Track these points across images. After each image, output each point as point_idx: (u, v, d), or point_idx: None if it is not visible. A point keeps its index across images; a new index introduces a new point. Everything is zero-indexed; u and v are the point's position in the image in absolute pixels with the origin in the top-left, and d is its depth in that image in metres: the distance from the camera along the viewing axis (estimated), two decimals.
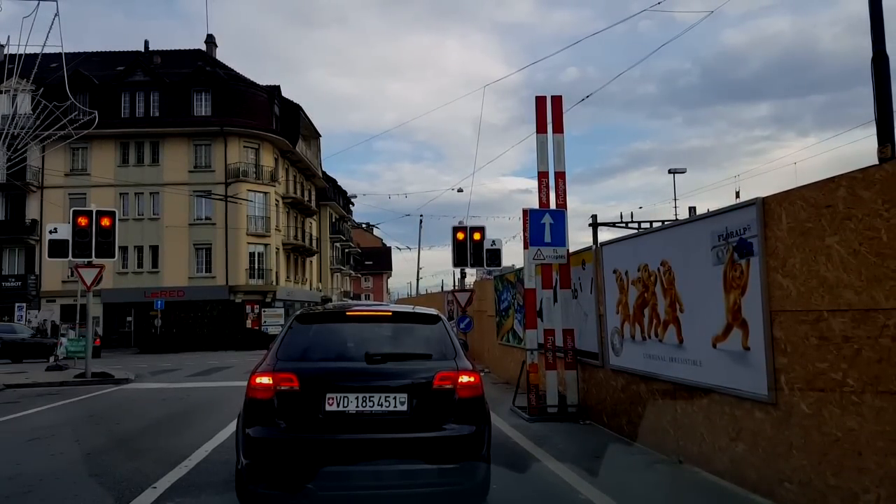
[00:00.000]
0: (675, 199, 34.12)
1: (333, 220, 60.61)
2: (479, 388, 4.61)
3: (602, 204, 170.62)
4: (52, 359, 20.68)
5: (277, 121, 43.45)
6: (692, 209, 22.20)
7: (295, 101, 45.88)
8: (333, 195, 60.66)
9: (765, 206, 4.91)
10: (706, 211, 6.67)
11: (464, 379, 4.53)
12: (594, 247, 8.90)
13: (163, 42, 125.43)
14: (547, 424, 8.47)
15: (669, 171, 34.29)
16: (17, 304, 35.70)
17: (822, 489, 4.28)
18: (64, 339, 21.16)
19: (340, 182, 66.92)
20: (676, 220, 22.18)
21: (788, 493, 4.61)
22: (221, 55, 46.91)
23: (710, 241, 5.58)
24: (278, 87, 44.31)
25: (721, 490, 5.31)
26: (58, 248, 16.33)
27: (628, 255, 7.48)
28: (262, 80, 43.93)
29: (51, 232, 16.55)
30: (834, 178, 4.25)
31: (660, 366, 6.58)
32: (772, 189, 4.90)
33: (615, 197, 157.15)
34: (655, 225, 20.49)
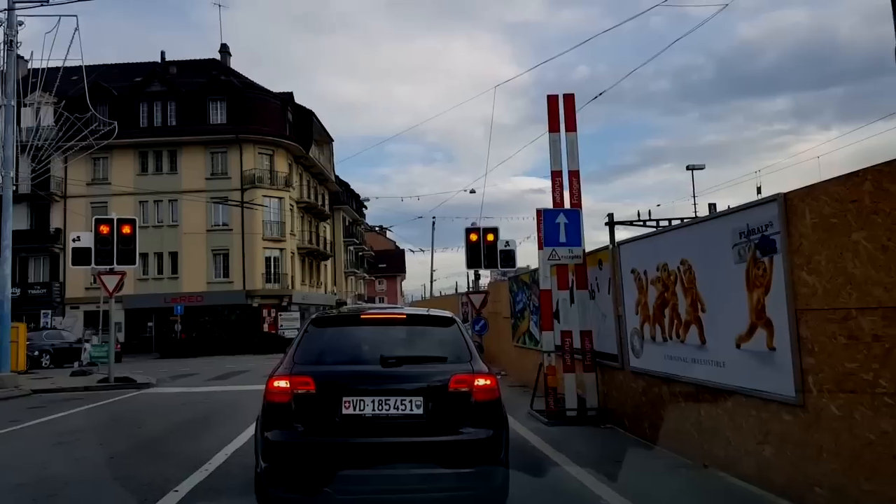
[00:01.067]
0: (693, 196, 33.79)
1: (347, 223, 60.83)
2: (495, 391, 4.56)
3: (618, 202, 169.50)
4: (76, 364, 20.94)
5: (291, 127, 43.71)
6: (712, 206, 21.95)
7: (307, 107, 46.16)
8: (346, 199, 60.89)
9: (787, 202, 4.80)
10: (726, 208, 6.56)
11: (480, 382, 4.48)
12: (611, 246, 8.80)
13: (178, 52, 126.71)
14: (566, 428, 8.36)
15: (688, 168, 33.93)
16: (42, 311, 36.28)
17: (856, 494, 4.16)
18: (87, 345, 21.44)
19: (353, 186, 67.16)
20: (696, 217, 21.99)
21: (819, 499, 4.48)
22: (235, 64, 47.33)
23: (732, 239, 5.47)
24: (291, 93, 44.61)
25: (748, 495, 5.19)
26: (81, 256, 16.57)
27: (646, 254, 7.38)
28: (275, 86, 44.20)
29: (74, 240, 16.81)
30: (859, 171, 4.14)
31: (682, 367, 6.47)
32: (794, 184, 4.80)
33: (631, 195, 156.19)
34: (674, 223, 20.32)
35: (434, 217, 48.80)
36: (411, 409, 4.33)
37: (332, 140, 53.77)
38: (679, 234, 6.95)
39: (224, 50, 46.78)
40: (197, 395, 14.15)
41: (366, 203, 68.44)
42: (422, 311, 5.69)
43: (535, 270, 11.25)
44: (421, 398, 4.35)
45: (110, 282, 16.58)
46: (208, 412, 11.23)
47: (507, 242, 17.49)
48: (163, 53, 46.40)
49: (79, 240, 16.71)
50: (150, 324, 39.90)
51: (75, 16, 23.93)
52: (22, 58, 19.73)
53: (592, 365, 8.85)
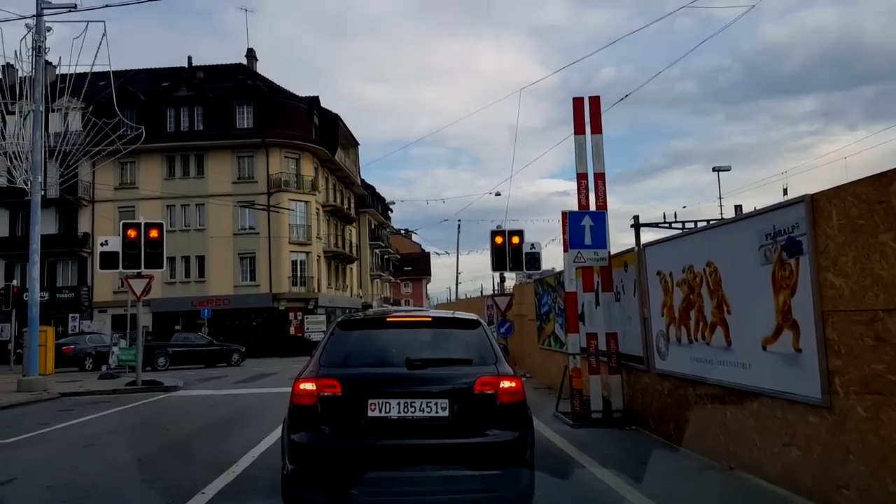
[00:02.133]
0: (720, 198, 33.41)
1: (372, 226, 61.12)
2: (520, 394, 4.57)
3: (644, 204, 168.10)
4: (104, 367, 21.30)
5: (317, 131, 44.05)
6: (738, 207, 21.67)
7: (333, 111, 46.50)
8: (372, 202, 61.18)
9: (814, 203, 4.76)
10: (753, 209, 6.51)
11: (505, 384, 4.49)
12: (637, 248, 8.76)
13: (205, 57, 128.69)
14: (591, 430, 8.35)
15: (714, 169, 33.63)
16: (70, 315, 36.98)
17: (883, 496, 4.11)
18: (115, 349, 21.79)
19: (378, 189, 67.38)
20: (722, 219, 21.75)
21: (846, 501, 4.44)
22: (261, 68, 47.89)
23: (758, 241, 5.43)
24: (317, 97, 44.91)
25: (774, 497, 5.15)
26: (109, 260, 16.79)
27: (672, 256, 7.34)
28: (302, 91, 44.88)
29: (102, 244, 17.01)
30: (886, 172, 4.10)
31: (707, 369, 6.43)
32: (821, 185, 4.76)
33: (657, 197, 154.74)
34: (700, 225, 20.11)
35: (459, 220, 48.66)
36: (437, 412, 4.36)
37: (358, 144, 54.19)
38: (705, 235, 6.90)
39: (251, 54, 47.39)
40: (224, 398, 14.33)
41: (391, 206, 68.70)
42: (447, 313, 5.72)
43: (561, 273, 11.23)
44: (446, 400, 4.38)
45: (138, 285, 16.82)
46: (235, 415, 11.37)
47: (532, 245, 17.45)
48: (190, 58, 47.16)
49: (107, 244, 16.92)
50: (177, 327, 40.35)
51: (103, 21, 24.27)
52: (50, 63, 20.13)
53: (618, 367, 8.81)
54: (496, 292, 18.92)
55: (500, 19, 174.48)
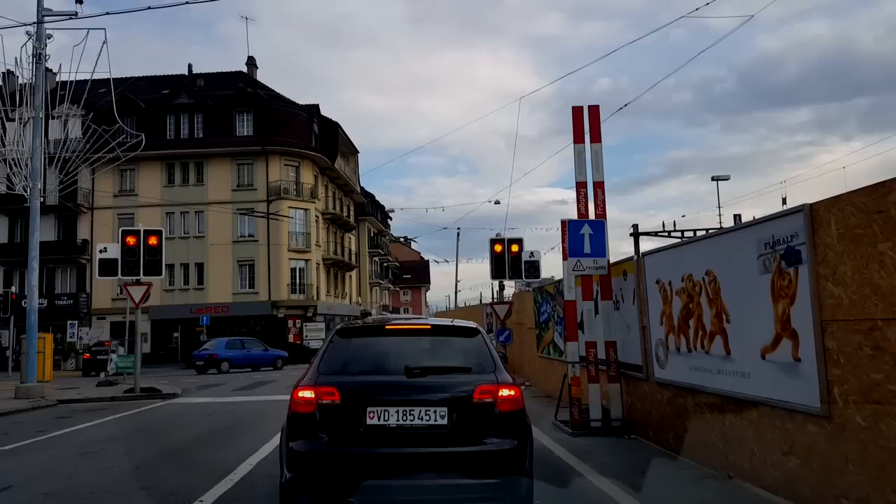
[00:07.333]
0: (719, 207, 33.61)
1: (372, 234, 61.15)
2: (519, 402, 4.56)
3: (642, 213, 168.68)
4: (102, 374, 21.22)
5: (316, 139, 44.14)
6: (737, 217, 21.72)
7: (333, 119, 46.61)
8: (372, 210, 61.25)
9: (812, 213, 4.78)
10: (752, 219, 6.52)
11: (504, 392, 4.49)
12: (636, 257, 8.77)
13: (205, 65, 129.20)
14: (590, 439, 8.33)
15: (713, 179, 33.79)
16: (69, 322, 36.89)
17: None
18: (114, 356, 21.73)
19: (378, 197, 67.42)
20: (721, 228, 21.78)
21: None
22: (262, 76, 48.02)
23: (757, 250, 5.45)
24: (317, 105, 45.05)
25: None
26: (107, 267, 16.78)
27: (671, 264, 7.35)
28: (302, 99, 44.83)
29: (101, 251, 17.01)
30: (885, 182, 4.12)
31: (707, 378, 6.43)
32: (819, 195, 4.78)
33: (655, 206, 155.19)
34: (699, 234, 20.14)
35: (459, 228, 48.88)
36: (436, 420, 4.35)
37: (358, 152, 54.27)
38: (704, 244, 6.91)
39: (251, 62, 47.53)
40: (222, 406, 14.29)
41: (391, 214, 68.80)
42: (446, 321, 5.73)
43: (560, 281, 11.23)
44: (445, 409, 4.37)
45: (137, 293, 16.79)
46: (233, 422, 11.33)
47: (531, 253, 17.44)
48: (190, 66, 47.36)
49: (106, 251, 16.91)
50: (175, 334, 40.38)
51: (103, 29, 24.32)
52: (50, 70, 20.17)
53: (617, 376, 8.80)
54: (495, 300, 18.90)
55: (497, 30, 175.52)
